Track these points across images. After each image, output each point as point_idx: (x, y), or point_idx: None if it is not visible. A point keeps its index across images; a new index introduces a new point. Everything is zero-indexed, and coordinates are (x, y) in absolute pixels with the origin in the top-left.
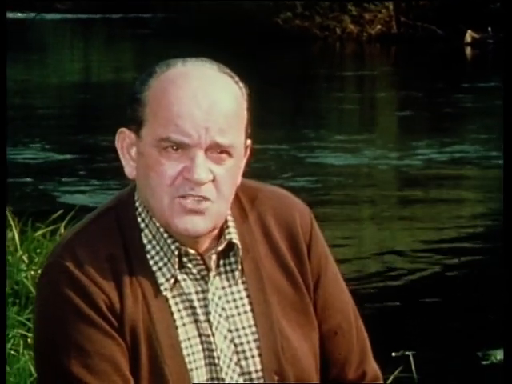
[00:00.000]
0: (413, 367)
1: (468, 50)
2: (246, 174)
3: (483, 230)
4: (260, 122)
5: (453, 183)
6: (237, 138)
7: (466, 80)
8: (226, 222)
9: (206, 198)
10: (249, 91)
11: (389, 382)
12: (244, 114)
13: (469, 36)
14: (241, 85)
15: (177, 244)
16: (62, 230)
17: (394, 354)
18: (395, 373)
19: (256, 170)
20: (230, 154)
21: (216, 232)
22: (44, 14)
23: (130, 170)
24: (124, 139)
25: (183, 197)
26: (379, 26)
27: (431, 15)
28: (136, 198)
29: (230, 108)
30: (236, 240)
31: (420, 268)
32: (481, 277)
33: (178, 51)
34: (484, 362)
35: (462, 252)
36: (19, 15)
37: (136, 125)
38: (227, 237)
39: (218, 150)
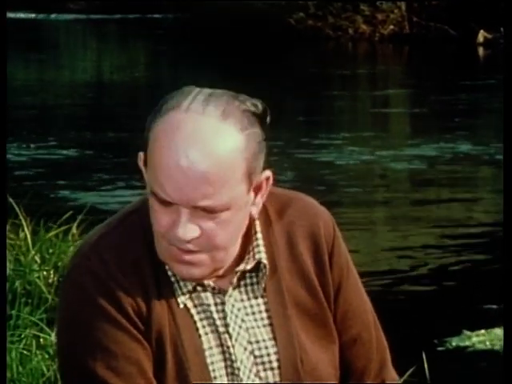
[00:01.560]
0: (425, 366)
1: (480, 50)
2: None
3: (495, 230)
4: (272, 121)
5: (466, 182)
6: (229, 194)
7: (479, 79)
8: (255, 239)
9: (195, 251)
10: (268, 121)
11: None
12: (243, 165)
13: (481, 36)
14: (248, 132)
15: None
16: (74, 231)
17: None
18: (407, 373)
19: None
20: (222, 210)
21: (238, 250)
22: (56, 14)
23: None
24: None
25: (176, 246)
26: (392, 26)
27: (444, 15)
28: None
29: (216, 169)
30: (265, 260)
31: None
32: (479, 273)
33: (189, 52)
34: (440, 348)
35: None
36: (31, 15)
37: (144, 159)
38: (257, 256)
39: (205, 211)
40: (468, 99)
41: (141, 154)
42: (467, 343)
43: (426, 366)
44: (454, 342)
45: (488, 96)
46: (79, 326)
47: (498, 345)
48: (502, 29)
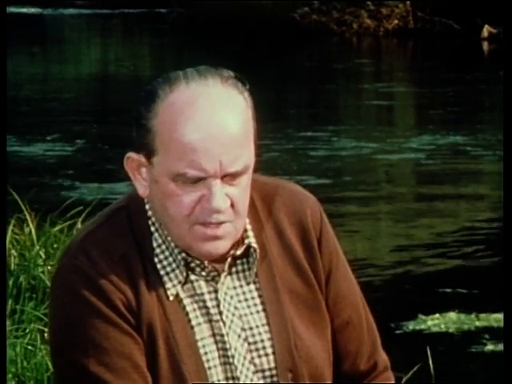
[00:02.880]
0: (430, 362)
1: (485, 45)
2: (262, 169)
3: (499, 227)
4: (277, 116)
5: (471, 178)
6: (249, 156)
7: (484, 74)
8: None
9: (225, 222)
10: (248, 87)
11: (407, 376)
12: (251, 124)
13: (486, 31)
14: (245, 94)
15: (183, 254)
16: (79, 225)
17: None
18: (414, 368)
19: (271, 163)
20: (244, 173)
21: None
22: (61, 9)
23: (142, 189)
24: (132, 162)
25: (203, 223)
26: (396, 21)
27: (448, 10)
28: (146, 200)
29: (240, 130)
30: (255, 244)
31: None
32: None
33: (194, 46)
34: (397, 332)
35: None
36: (37, 10)
37: (146, 151)
38: (246, 241)
39: (233, 176)
40: (472, 94)
41: (132, 155)
42: (423, 327)
43: (430, 362)
44: (411, 325)
45: (492, 91)
46: (70, 324)
47: (453, 327)
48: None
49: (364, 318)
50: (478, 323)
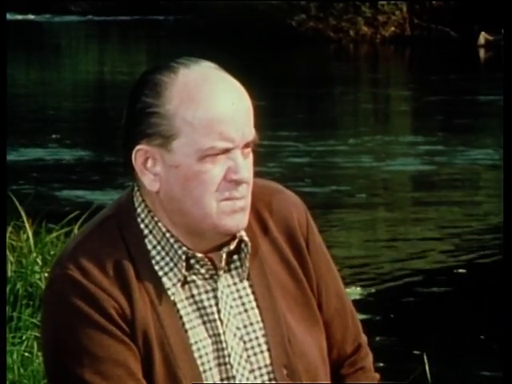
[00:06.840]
0: (427, 368)
1: (481, 52)
2: (261, 176)
3: (497, 235)
4: (274, 123)
5: (468, 185)
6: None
7: (480, 81)
8: None
9: (244, 196)
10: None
11: None
12: None
13: (482, 38)
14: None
15: (184, 248)
16: (76, 232)
17: None
18: (411, 377)
19: (269, 171)
20: (252, 144)
21: None
22: (58, 16)
23: (153, 183)
24: (141, 156)
25: (228, 199)
26: (393, 28)
27: (445, 17)
28: (137, 205)
29: (249, 101)
30: (246, 237)
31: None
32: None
33: (191, 53)
34: None
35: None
36: (33, 17)
37: (162, 139)
38: (237, 235)
39: (247, 146)
40: (469, 101)
41: (143, 147)
42: None
43: (427, 367)
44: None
45: (489, 98)
46: (64, 334)
47: None
48: (502, 30)
49: (347, 304)
50: None
